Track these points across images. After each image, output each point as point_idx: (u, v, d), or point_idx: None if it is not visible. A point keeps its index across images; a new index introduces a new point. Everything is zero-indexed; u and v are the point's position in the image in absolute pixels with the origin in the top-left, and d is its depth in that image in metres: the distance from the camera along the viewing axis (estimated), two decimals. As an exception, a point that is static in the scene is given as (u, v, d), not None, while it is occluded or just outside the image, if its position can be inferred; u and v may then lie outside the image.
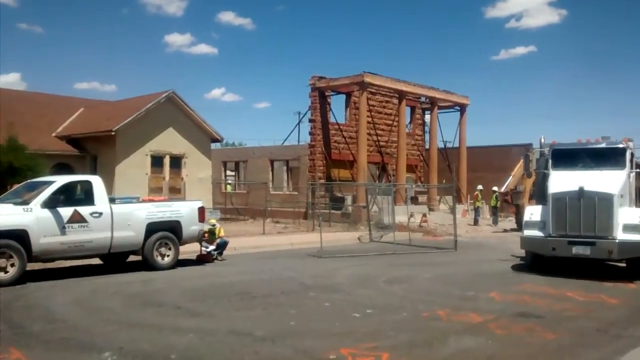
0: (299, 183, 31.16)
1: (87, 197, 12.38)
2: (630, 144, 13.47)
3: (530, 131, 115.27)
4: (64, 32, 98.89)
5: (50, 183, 12.11)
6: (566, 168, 13.40)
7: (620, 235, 12.12)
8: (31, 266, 11.69)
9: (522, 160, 18.02)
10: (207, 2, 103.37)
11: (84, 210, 11.97)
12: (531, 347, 7.13)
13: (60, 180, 12.38)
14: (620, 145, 13.32)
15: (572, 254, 12.43)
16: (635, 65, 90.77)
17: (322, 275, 12.62)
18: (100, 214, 12.16)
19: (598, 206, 12.18)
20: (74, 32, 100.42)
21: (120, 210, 12.61)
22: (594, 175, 12.81)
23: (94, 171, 23.15)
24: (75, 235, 11.74)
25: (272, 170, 33.50)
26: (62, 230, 11.54)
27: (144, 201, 14.13)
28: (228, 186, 36.27)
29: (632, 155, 13.41)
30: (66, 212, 11.65)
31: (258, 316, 8.63)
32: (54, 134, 25.73)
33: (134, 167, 23.98)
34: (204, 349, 6.81)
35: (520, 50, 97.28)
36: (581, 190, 12.28)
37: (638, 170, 13.82)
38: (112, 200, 12.88)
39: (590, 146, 13.66)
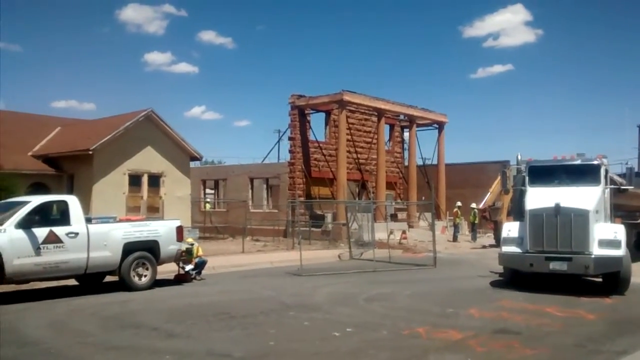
0: (279, 201, 31.10)
1: (63, 217, 12.20)
2: (605, 161, 13.70)
3: (507, 148, 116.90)
4: (43, 51, 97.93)
5: (25, 203, 11.92)
6: (543, 185, 13.58)
7: (596, 250, 12.27)
8: (4, 288, 11.44)
9: (499, 177, 18.23)
10: (188, 22, 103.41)
11: (60, 230, 11.79)
12: (510, 363, 7.15)
13: (36, 200, 12.20)
14: (595, 162, 13.54)
15: (550, 270, 12.55)
16: (609, 82, 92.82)
17: (302, 294, 12.56)
18: (76, 234, 11.99)
19: (574, 222, 12.34)
20: (53, 50, 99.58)
21: (96, 230, 12.45)
22: (569, 191, 12.99)
23: (70, 191, 22.79)
24: (51, 256, 11.54)
25: (252, 189, 33.40)
26: (37, 251, 11.34)
27: (121, 221, 13.94)
28: (207, 205, 36.05)
29: (606, 171, 13.64)
30: (41, 232, 11.47)
31: (237, 337, 8.54)
32: (30, 153, 25.33)
33: (111, 186, 23.68)
34: (181, 371, 6.71)
35: (498, 68, 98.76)
36: (557, 206, 12.44)
37: (612, 186, 14.05)
38: (88, 220, 12.71)
39: (565, 163, 13.87)
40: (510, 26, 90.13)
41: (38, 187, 23.27)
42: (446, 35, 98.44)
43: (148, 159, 25.19)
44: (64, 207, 12.31)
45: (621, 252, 12.27)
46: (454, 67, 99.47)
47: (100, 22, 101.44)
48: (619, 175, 15.47)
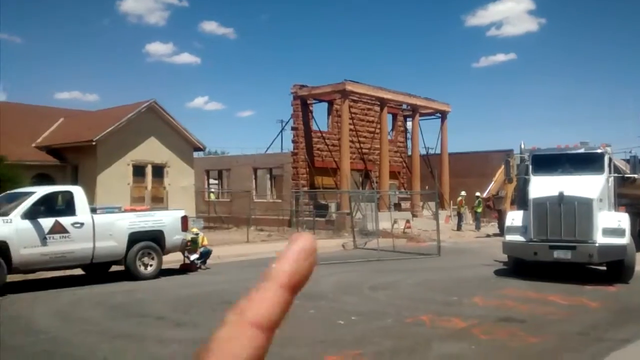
0: (283, 191, 31.11)
1: (68, 207, 12.27)
2: (609, 149, 13.68)
3: (511, 137, 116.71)
4: (45, 42, 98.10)
5: (30, 194, 11.97)
6: (546, 173, 13.56)
7: (600, 239, 12.28)
8: (11, 277, 11.52)
9: (503, 166, 18.17)
10: (190, 12, 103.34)
11: (65, 220, 11.85)
12: (514, 351, 7.20)
13: (41, 190, 12.26)
14: (599, 151, 13.52)
15: (554, 258, 12.57)
16: (612, 71, 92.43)
17: (307, 283, 12.58)
18: (82, 224, 12.05)
19: (578, 211, 12.34)
20: (55, 42, 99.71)
21: (102, 221, 12.51)
22: (573, 180, 12.98)
23: (75, 181, 22.81)
24: (57, 246, 11.61)
25: (256, 179, 33.41)
26: (43, 241, 11.41)
27: (126, 211, 14.01)
28: (211, 195, 36.11)
29: (610, 160, 13.60)
30: (47, 222, 11.53)
31: (242, 325, 8.58)
32: (34, 145, 25.41)
33: (115, 177, 23.76)
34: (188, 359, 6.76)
35: (501, 57, 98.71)
36: (561, 195, 12.44)
37: (616, 174, 14.03)
38: (93, 211, 12.76)
39: (569, 152, 13.84)
40: (513, 15, 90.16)
41: (42, 178, 23.34)
42: (449, 24, 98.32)
43: (151, 150, 25.25)
44: (69, 198, 12.38)
45: (625, 240, 12.27)
46: (456, 56, 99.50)
47: (101, 13, 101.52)
48: (626, 161, 15.41)
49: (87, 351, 7.06)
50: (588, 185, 12.76)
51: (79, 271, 13.45)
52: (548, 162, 13.81)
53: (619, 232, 12.31)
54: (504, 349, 7.28)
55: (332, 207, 29.28)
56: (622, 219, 12.66)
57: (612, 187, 13.66)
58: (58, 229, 11.66)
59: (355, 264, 16.25)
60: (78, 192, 12.53)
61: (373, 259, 17.02)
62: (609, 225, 12.42)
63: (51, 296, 10.96)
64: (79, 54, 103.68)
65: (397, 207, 32.22)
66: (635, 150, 16.66)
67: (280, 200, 31.12)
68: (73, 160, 24.79)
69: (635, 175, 14.30)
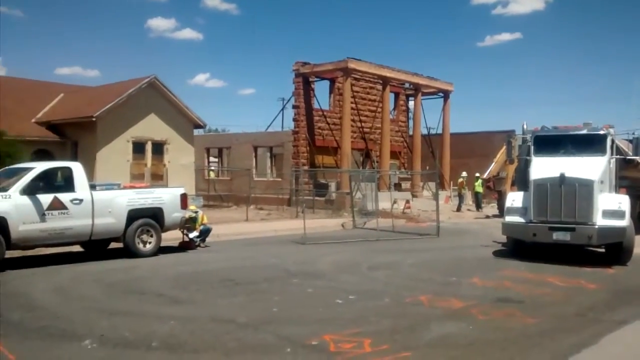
0: (283, 169, 31.11)
1: (67, 183, 12.22)
2: (611, 131, 13.58)
3: (513, 118, 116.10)
4: (46, 16, 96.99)
5: (29, 169, 11.93)
6: (548, 154, 13.48)
7: (599, 221, 12.25)
8: (10, 254, 11.53)
9: (504, 147, 18.09)
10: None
11: (64, 197, 11.82)
12: (511, 332, 7.19)
13: (40, 166, 12.21)
14: (601, 132, 13.42)
15: (553, 240, 12.55)
16: (618, 51, 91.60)
17: (306, 262, 12.63)
18: (81, 200, 12.02)
19: (578, 192, 12.29)
20: (56, 16, 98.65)
21: (101, 197, 12.48)
22: (575, 161, 12.91)
23: (74, 157, 22.80)
24: (55, 222, 11.59)
25: (256, 157, 33.38)
26: (42, 217, 11.39)
27: (125, 188, 13.98)
28: (211, 173, 36.09)
29: (612, 141, 13.52)
30: (46, 198, 11.49)
31: (241, 303, 8.62)
32: (33, 120, 25.31)
33: (115, 154, 23.71)
34: (185, 336, 6.78)
35: (506, 36, 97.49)
36: (562, 176, 12.37)
37: (618, 156, 13.95)
38: (92, 187, 12.72)
39: (571, 133, 13.76)
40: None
41: (42, 154, 23.31)
42: (455, 1, 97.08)
43: (152, 127, 25.17)
44: (68, 174, 12.32)
45: (625, 222, 12.25)
46: (461, 35, 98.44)
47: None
48: (629, 142, 15.29)
49: (85, 327, 7.06)
50: (589, 167, 12.69)
51: (77, 248, 13.49)
52: (550, 143, 13.72)
53: (619, 215, 12.28)
54: (501, 330, 7.29)
55: (332, 186, 29.28)
56: (623, 201, 12.62)
57: (614, 169, 13.60)
58: (57, 205, 11.64)
59: (354, 244, 16.27)
60: (77, 168, 12.48)
61: (372, 239, 17.05)
62: (609, 207, 12.38)
63: (50, 273, 10.98)
64: (80, 28, 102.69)
65: (397, 187, 32.18)
66: (638, 131, 16.51)
67: (280, 179, 31.14)
68: (73, 136, 24.73)
69: (637, 158, 14.22)
